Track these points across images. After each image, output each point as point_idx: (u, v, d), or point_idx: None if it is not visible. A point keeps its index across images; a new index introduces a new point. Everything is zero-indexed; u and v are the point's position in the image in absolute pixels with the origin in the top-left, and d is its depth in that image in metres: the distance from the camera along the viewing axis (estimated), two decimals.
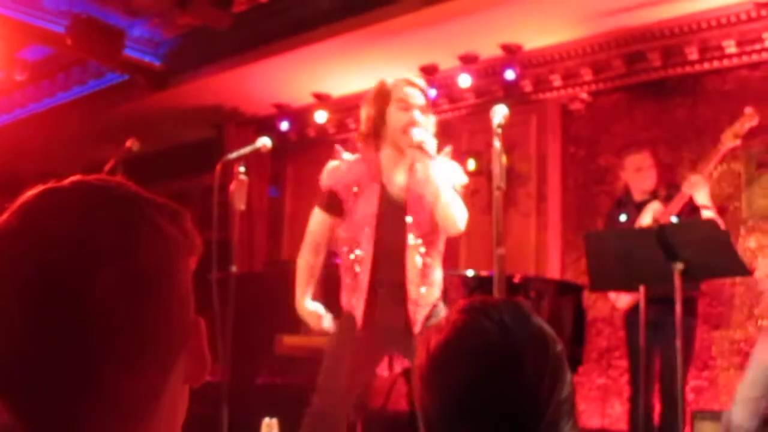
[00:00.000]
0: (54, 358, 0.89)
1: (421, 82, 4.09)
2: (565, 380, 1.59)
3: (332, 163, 4.07)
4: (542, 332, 1.62)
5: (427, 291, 3.93)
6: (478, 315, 1.61)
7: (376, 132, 4.00)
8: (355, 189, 3.95)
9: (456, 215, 3.86)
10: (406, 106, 3.95)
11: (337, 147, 4.13)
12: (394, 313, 3.91)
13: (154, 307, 0.93)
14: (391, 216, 3.93)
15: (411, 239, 3.90)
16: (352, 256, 3.96)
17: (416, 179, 3.96)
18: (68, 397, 0.89)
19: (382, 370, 4.13)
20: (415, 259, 3.90)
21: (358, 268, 3.92)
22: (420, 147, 3.84)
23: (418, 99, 4.00)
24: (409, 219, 3.92)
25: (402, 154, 3.98)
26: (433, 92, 8.17)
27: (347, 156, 4.07)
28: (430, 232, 3.93)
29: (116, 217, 0.94)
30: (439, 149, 3.97)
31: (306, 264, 4.09)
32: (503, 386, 1.55)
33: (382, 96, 4.00)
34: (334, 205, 4.01)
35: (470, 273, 5.94)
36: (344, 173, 4.00)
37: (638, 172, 5.95)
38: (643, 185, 5.93)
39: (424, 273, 3.93)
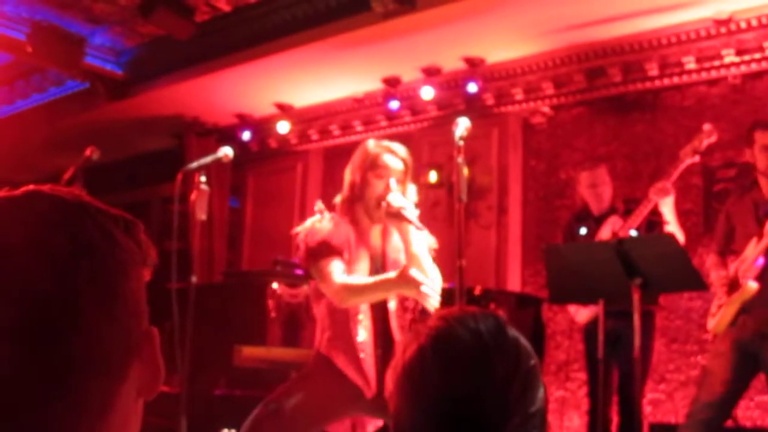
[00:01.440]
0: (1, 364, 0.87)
1: (401, 149, 4.00)
2: (537, 394, 1.61)
3: (316, 221, 3.93)
4: (517, 344, 1.63)
5: None
6: (455, 323, 1.63)
7: (356, 198, 3.93)
8: (346, 254, 3.84)
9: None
10: (384, 174, 3.90)
11: (318, 204, 4.02)
12: None
13: (103, 314, 0.92)
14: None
15: (392, 306, 3.91)
16: (360, 317, 3.86)
17: (392, 245, 3.96)
18: (9, 406, 0.87)
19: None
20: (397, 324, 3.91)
21: (362, 335, 3.83)
22: (398, 214, 3.79)
23: (396, 166, 3.93)
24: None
25: (377, 219, 3.93)
26: (395, 104, 8.21)
27: (327, 215, 3.95)
28: (406, 297, 3.92)
29: (68, 225, 0.93)
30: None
31: (353, 277, 3.84)
32: (472, 392, 1.56)
33: (366, 163, 3.92)
34: (337, 251, 3.83)
35: None
36: (335, 232, 3.87)
37: (592, 189, 5.97)
38: (598, 201, 5.95)
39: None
